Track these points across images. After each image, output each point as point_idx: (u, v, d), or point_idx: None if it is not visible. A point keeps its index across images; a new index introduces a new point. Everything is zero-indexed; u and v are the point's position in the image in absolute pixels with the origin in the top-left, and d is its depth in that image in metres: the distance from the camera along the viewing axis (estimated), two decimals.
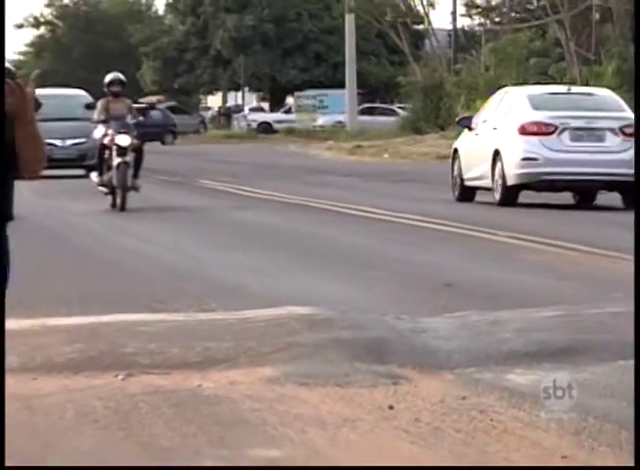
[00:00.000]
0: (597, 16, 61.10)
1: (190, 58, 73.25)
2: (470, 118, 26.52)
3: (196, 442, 7.21)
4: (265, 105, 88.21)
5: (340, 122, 67.07)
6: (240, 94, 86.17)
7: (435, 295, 12.22)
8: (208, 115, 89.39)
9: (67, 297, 12.05)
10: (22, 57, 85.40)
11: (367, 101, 73.08)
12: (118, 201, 21.78)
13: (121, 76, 23.50)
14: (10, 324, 8.64)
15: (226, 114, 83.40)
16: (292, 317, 10.86)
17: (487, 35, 64.50)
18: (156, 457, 6.92)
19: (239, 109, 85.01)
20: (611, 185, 23.35)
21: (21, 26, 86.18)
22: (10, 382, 8.57)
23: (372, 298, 12.35)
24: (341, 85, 65.87)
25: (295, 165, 42.36)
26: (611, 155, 23.25)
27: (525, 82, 53.96)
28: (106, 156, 22.27)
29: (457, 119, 30.43)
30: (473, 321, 10.86)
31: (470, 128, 25.49)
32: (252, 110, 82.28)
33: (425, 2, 63.56)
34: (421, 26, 65.65)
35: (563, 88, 27.97)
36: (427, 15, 64.52)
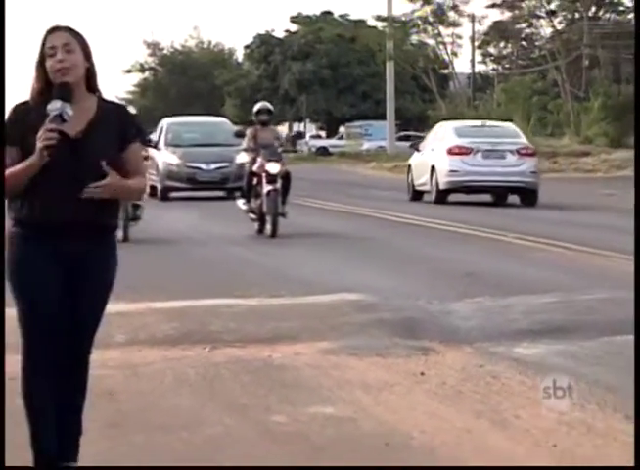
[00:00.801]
0: (587, 62, 60.88)
1: (263, 96, 73.26)
2: (419, 143, 30.09)
3: (267, 401, 7.21)
4: (323, 133, 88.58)
5: (381, 147, 67.12)
6: (302, 125, 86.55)
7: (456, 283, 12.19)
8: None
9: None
10: (130, 96, 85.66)
11: (403, 130, 73.08)
12: (269, 227, 17.80)
13: (269, 106, 19.59)
14: (120, 307, 8.70)
15: (292, 140, 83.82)
16: (343, 302, 10.87)
17: (499, 78, 64.26)
18: (235, 413, 6.91)
19: (302, 136, 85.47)
20: (510, 189, 26.90)
21: (129, 71, 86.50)
22: (119, 354, 8.61)
23: (407, 286, 12.31)
24: (382, 117, 65.72)
25: (345, 181, 42.27)
26: (510, 168, 26.60)
27: (529, 115, 53.80)
28: (254, 183, 18.40)
29: (409, 144, 33.94)
30: (487, 305, 10.84)
31: (418, 150, 28.97)
32: (313, 137, 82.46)
33: (449, 51, 63.55)
34: (446, 71, 65.43)
35: (479, 123, 30.96)
36: (451, 62, 64.48)
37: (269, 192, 17.75)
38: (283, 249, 16.61)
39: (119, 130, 5.38)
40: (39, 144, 5.13)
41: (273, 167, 17.94)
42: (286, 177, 18.28)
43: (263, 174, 18.01)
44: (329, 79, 69.82)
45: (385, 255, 15.74)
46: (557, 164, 44.38)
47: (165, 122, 32.14)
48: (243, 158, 25.41)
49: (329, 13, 74.61)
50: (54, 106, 5.18)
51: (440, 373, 7.95)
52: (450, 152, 26.78)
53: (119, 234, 13.86)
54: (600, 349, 8.81)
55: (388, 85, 60.42)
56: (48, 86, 5.32)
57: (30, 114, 5.29)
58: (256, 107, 19.32)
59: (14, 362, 7.85)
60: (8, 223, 5.47)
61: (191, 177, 29.55)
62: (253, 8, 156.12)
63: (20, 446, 5.70)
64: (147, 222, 17.69)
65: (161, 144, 28.82)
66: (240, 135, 20.55)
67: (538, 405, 7.00)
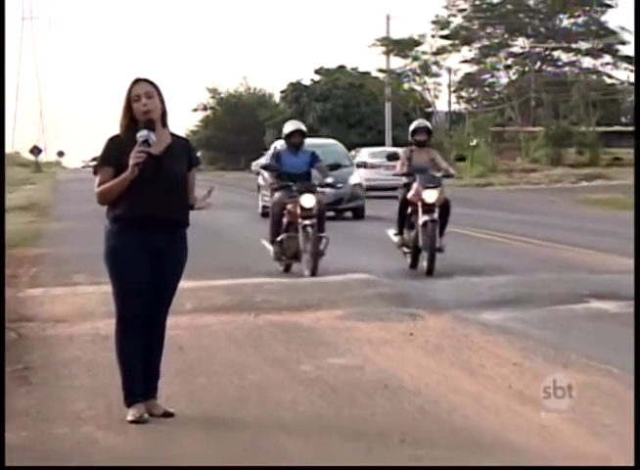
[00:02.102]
0: (534, 103, 60.78)
1: None
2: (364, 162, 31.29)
3: (297, 354, 7.19)
4: None
5: None
6: None
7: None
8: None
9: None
10: (196, 128, 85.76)
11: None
12: (425, 264, 11.83)
13: (427, 123, 12.95)
14: (188, 284, 8.68)
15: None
16: (353, 280, 10.83)
17: (469, 115, 64.04)
18: (272, 363, 6.89)
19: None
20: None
21: (195, 110, 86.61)
22: (187, 318, 8.60)
23: (400, 269, 12.26)
24: (382, 144, 65.58)
25: None
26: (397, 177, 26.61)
27: (491, 142, 53.62)
28: (408, 212, 12.41)
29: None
30: (460, 282, 10.79)
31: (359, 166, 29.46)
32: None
33: (432, 95, 63.51)
34: (430, 109, 65.23)
35: (384, 149, 34.26)
36: (433, 103, 64.31)
37: (426, 223, 11.93)
38: None
39: (187, 156, 5.58)
40: (131, 162, 5.28)
41: (430, 195, 12.00)
42: (444, 206, 12.09)
43: (419, 203, 12.08)
44: (342, 116, 69.59)
45: (381, 245, 15.71)
46: (512, 178, 44.17)
47: (278, 144, 24.93)
48: (355, 179, 21.98)
49: (343, 67, 74.56)
50: (142, 134, 5.36)
51: (425, 333, 7.92)
52: (366, 166, 30.71)
53: (306, 271, 11.52)
54: (545, 315, 8.77)
55: (386, 120, 60.21)
56: (133, 123, 5.42)
57: (122, 143, 5.41)
58: (413, 125, 12.70)
59: (103, 326, 7.90)
60: (105, 222, 5.51)
61: None
62: (288, 63, 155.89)
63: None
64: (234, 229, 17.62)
65: None
66: (393, 158, 13.90)
67: (498, 357, 6.97)
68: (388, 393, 6.01)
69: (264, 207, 21.51)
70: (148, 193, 5.34)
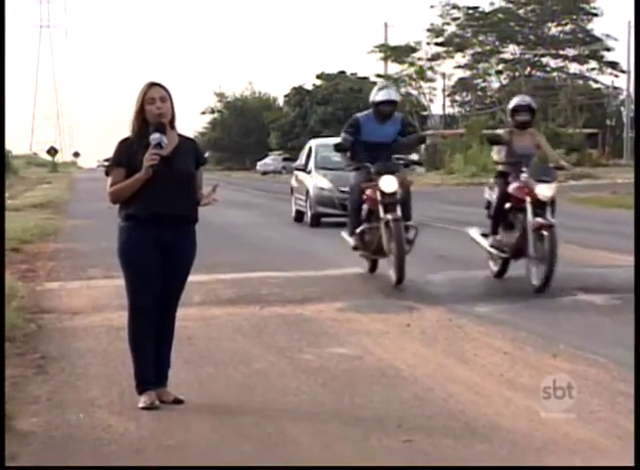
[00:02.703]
0: None
1: (297, 131, 73.23)
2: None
3: (299, 344, 7.18)
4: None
5: None
6: None
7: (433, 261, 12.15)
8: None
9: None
10: (204, 130, 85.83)
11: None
12: (535, 279, 9.24)
13: (529, 100, 10.17)
14: (197, 278, 8.66)
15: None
16: (351, 274, 10.82)
17: (463, 118, 64.02)
18: (277, 352, 6.88)
19: None
20: None
21: (203, 113, 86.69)
22: (196, 310, 8.59)
23: None
24: None
25: None
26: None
27: (482, 144, 53.71)
28: (506, 209, 9.68)
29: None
30: (454, 277, 10.77)
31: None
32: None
33: (427, 99, 63.45)
34: (425, 113, 65.21)
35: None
36: (429, 106, 64.29)
37: (541, 227, 9.15)
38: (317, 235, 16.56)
39: (195, 156, 5.58)
40: (146, 163, 5.31)
41: (546, 191, 9.19)
42: (553, 206, 9.36)
43: (527, 199, 9.24)
44: (343, 119, 69.55)
45: None
46: None
47: (313, 144, 20.92)
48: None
49: (343, 72, 74.51)
50: (155, 136, 5.37)
51: (421, 324, 7.90)
52: None
53: (392, 275, 9.39)
54: (534, 307, 8.75)
55: None
56: (145, 124, 5.44)
57: (133, 144, 5.42)
58: (513, 103, 10.01)
59: (116, 317, 7.89)
60: (118, 219, 5.51)
61: (345, 203, 17.79)
62: (291, 68, 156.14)
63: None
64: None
65: (311, 166, 19.64)
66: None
67: (490, 347, 6.95)
68: (386, 381, 6.00)
69: (298, 211, 19.57)
70: (158, 191, 5.36)
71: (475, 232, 10.45)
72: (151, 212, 5.38)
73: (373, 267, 10.13)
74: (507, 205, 9.67)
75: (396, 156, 9.92)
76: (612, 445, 4.72)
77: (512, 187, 9.54)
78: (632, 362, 5.84)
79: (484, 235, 10.18)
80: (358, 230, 9.83)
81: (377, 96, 10.07)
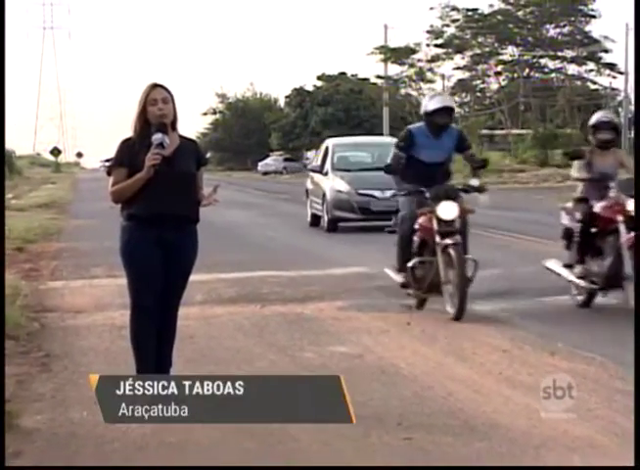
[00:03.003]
0: (522, 107, 60.76)
1: (297, 131, 73.18)
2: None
3: (301, 342, 7.17)
4: None
5: None
6: None
7: None
8: (308, 162, 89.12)
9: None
10: (206, 131, 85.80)
11: None
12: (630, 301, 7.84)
13: (611, 116, 8.92)
14: (198, 277, 8.66)
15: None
16: (352, 273, 10.83)
17: (462, 118, 64.01)
18: (278, 351, 6.88)
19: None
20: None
21: (205, 114, 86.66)
22: (197, 309, 8.59)
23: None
24: None
25: None
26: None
27: (481, 144, 53.67)
28: (592, 231, 8.41)
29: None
30: None
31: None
32: None
33: None
34: None
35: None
36: None
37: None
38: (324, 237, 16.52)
39: (196, 156, 5.56)
40: (148, 163, 5.30)
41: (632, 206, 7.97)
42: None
43: (619, 218, 8.08)
44: (343, 119, 69.59)
45: (374, 241, 15.68)
46: (502, 178, 44.13)
47: (330, 143, 19.16)
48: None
49: (344, 73, 74.47)
50: (157, 137, 5.37)
51: (421, 323, 7.90)
52: None
53: (450, 308, 8.02)
54: (533, 306, 8.75)
55: (384, 124, 60.16)
56: (147, 125, 5.43)
57: (135, 145, 5.41)
58: (594, 119, 8.69)
59: (118, 316, 7.89)
60: (120, 219, 5.49)
61: (364, 206, 17.23)
62: (292, 70, 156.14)
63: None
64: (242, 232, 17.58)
65: (327, 168, 18.15)
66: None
67: (489, 345, 6.95)
68: (386, 379, 5.99)
69: (314, 215, 18.27)
70: (160, 191, 5.35)
71: (554, 264, 8.95)
72: (152, 212, 5.36)
73: (420, 305, 8.58)
74: (593, 229, 8.43)
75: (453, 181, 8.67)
76: (609, 442, 4.72)
77: (598, 206, 8.35)
78: (630, 360, 5.84)
79: (568, 266, 8.70)
80: (410, 264, 8.38)
81: (429, 105, 8.47)
